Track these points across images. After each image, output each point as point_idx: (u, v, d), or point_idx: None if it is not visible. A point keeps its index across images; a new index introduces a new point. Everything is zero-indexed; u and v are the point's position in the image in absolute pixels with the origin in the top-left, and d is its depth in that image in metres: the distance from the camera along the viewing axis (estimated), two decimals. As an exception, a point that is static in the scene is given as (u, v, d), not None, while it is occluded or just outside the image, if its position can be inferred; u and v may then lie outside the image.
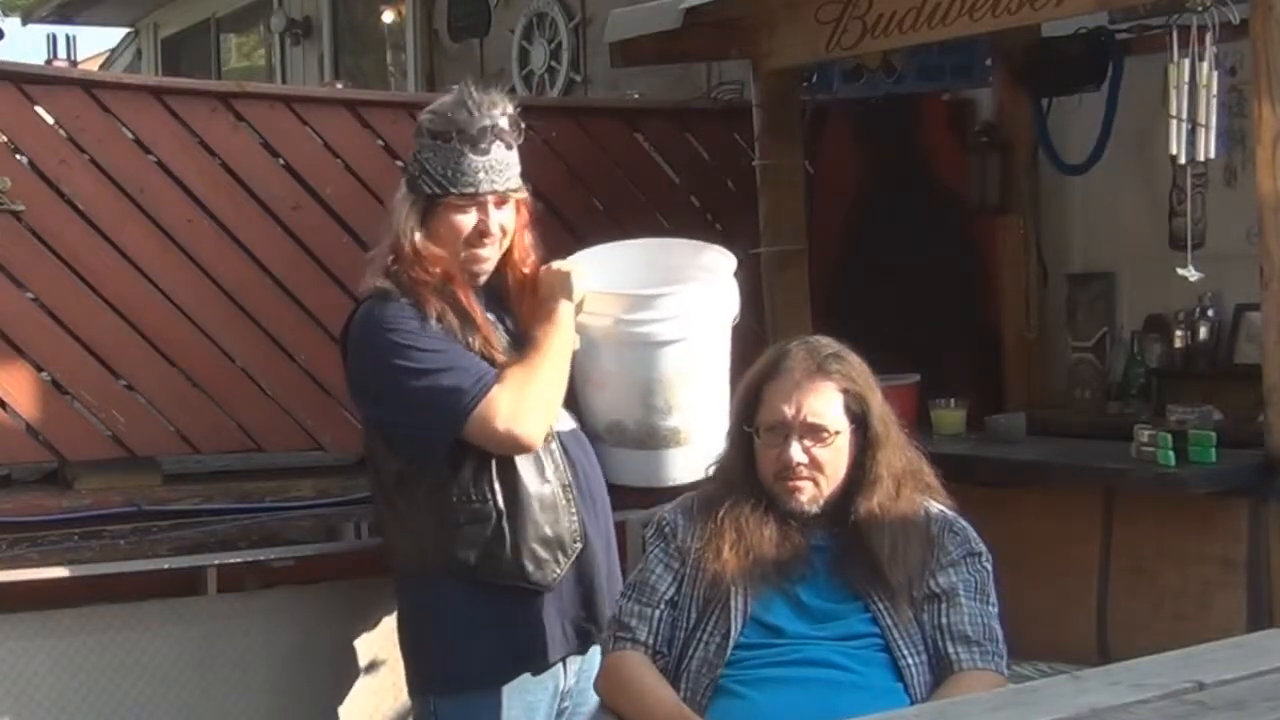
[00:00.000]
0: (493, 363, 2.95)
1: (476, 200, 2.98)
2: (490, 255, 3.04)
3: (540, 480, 2.99)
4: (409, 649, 3.15)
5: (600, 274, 3.14)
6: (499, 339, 3.01)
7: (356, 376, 3.08)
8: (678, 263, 3.29)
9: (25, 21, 12.16)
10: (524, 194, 3.06)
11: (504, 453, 2.95)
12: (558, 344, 3.00)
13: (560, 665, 3.07)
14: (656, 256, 3.34)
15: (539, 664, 3.03)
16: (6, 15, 13.67)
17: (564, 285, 3.04)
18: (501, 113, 2.98)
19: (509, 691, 3.01)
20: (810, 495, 2.73)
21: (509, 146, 2.99)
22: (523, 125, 3.04)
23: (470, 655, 3.01)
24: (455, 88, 3.03)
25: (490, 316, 3.03)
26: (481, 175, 2.96)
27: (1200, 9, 3.45)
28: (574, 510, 3.02)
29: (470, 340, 2.96)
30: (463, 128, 2.94)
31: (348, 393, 3.28)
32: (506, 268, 3.09)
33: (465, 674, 3.02)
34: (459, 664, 3.02)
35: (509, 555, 2.95)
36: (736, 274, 3.25)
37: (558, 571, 3.00)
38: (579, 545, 3.03)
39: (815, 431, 2.72)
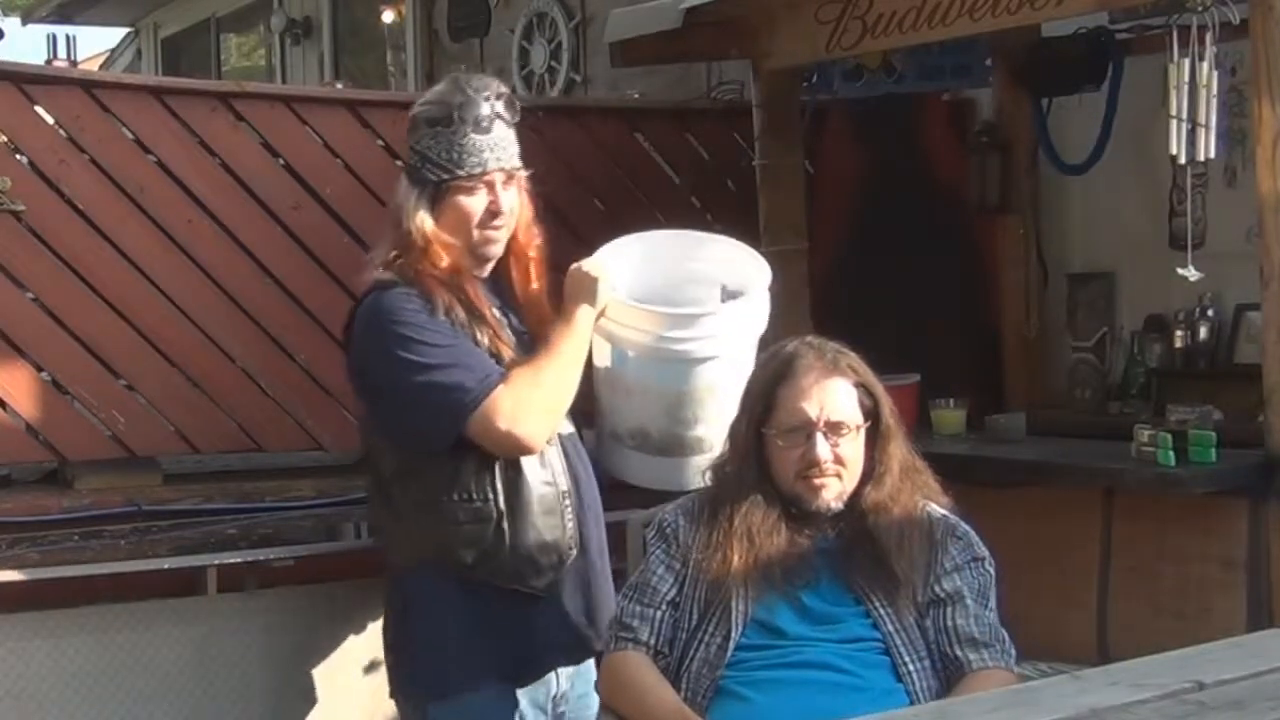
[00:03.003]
0: (499, 358, 2.91)
1: (484, 180, 2.95)
2: (502, 237, 3.01)
3: (543, 484, 2.94)
4: (396, 647, 3.07)
5: (627, 269, 3.09)
6: (507, 335, 2.97)
7: (359, 369, 3.02)
8: (709, 264, 3.22)
9: (25, 21, 12.17)
10: (524, 176, 3.03)
11: (504, 454, 2.91)
12: (570, 349, 2.95)
13: (554, 672, 3.02)
14: (688, 252, 3.26)
15: (534, 670, 2.99)
16: (6, 15, 13.67)
17: (589, 291, 2.99)
18: (496, 92, 2.97)
19: (502, 696, 2.96)
20: (836, 492, 2.73)
21: (509, 125, 2.98)
22: (518, 104, 3.01)
23: (463, 658, 2.96)
24: (445, 79, 3.03)
25: (496, 313, 3.00)
26: (487, 154, 2.94)
27: (1200, 9, 3.45)
28: (571, 516, 2.98)
29: (479, 336, 2.91)
30: (462, 109, 2.92)
31: (349, 384, 3.21)
32: (510, 256, 3.05)
33: (456, 678, 2.96)
34: (451, 667, 2.96)
35: (507, 557, 2.91)
36: (771, 287, 3.17)
37: (552, 576, 2.96)
38: (574, 552, 2.98)
39: (837, 429, 2.72)
